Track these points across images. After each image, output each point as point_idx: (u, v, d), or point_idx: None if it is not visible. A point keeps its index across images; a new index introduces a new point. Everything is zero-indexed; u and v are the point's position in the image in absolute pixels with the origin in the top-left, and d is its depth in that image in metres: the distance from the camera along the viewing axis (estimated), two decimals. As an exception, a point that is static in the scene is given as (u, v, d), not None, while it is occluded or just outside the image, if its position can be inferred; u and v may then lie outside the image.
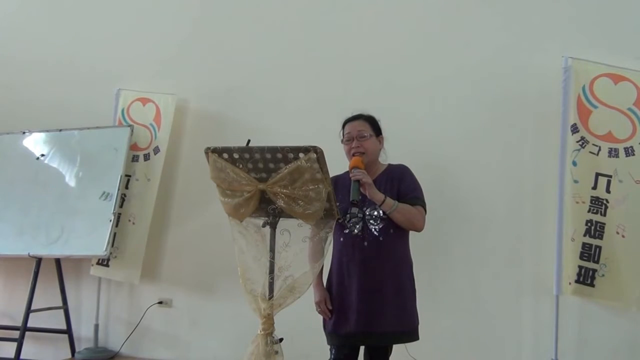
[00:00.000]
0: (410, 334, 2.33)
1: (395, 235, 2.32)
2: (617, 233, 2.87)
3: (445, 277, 3.31)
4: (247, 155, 2.02)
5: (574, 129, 2.96)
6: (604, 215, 2.89)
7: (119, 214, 3.75)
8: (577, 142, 2.95)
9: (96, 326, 3.95)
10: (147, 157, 3.91)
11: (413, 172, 2.44)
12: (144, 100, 4.01)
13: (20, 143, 4.07)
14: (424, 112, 3.44)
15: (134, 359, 3.88)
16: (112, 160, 3.78)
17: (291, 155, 1.96)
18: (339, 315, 2.32)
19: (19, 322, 3.65)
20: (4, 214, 3.89)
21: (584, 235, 2.89)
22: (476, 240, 3.28)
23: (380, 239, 2.29)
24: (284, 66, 3.81)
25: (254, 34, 3.91)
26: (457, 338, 3.26)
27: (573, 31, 3.20)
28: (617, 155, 2.92)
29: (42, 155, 3.98)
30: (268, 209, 2.06)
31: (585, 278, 2.87)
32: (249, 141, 2.10)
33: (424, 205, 2.35)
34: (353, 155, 2.36)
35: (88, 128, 3.93)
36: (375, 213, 2.30)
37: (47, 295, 3.89)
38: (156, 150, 3.89)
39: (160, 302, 3.92)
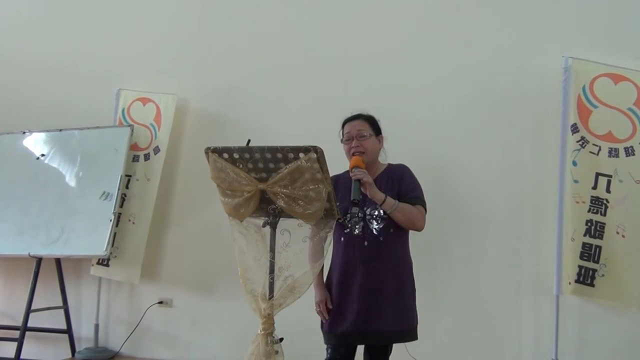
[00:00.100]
0: (408, 333, 2.33)
1: (396, 235, 2.32)
2: (617, 233, 2.87)
3: (445, 277, 3.31)
4: (247, 155, 2.02)
5: (574, 129, 2.96)
6: (604, 215, 2.89)
7: (119, 213, 3.75)
8: (577, 142, 2.95)
9: (96, 326, 3.95)
10: (147, 157, 3.91)
11: (413, 171, 2.44)
12: (144, 100, 4.01)
13: (21, 143, 4.08)
14: (424, 112, 3.44)
15: (134, 358, 3.88)
16: (112, 160, 3.78)
17: (291, 155, 1.96)
18: (338, 315, 2.32)
19: (19, 322, 3.65)
20: (4, 214, 3.89)
21: (584, 235, 2.89)
22: (476, 240, 3.28)
23: (381, 238, 2.29)
24: (284, 66, 3.81)
25: (254, 34, 3.91)
26: (457, 338, 3.26)
27: (573, 31, 3.20)
28: (617, 155, 2.92)
29: (42, 155, 3.98)
30: (268, 209, 2.06)
31: (585, 278, 2.87)
32: (249, 141, 2.10)
33: (424, 205, 2.36)
34: (353, 154, 2.36)
35: (88, 128, 3.93)
36: (376, 213, 2.30)
37: (47, 295, 3.89)
38: (156, 150, 3.89)
39: (160, 302, 3.92)
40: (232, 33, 3.97)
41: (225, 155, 2.05)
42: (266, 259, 2.09)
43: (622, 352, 2.99)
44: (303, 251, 2.20)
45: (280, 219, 2.09)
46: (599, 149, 2.93)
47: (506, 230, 3.23)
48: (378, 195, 2.25)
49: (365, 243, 2.30)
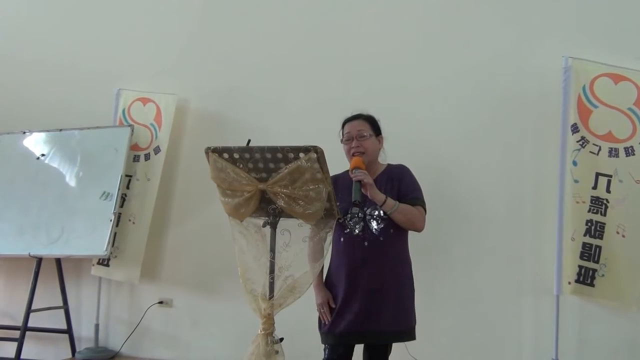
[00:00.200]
0: (407, 333, 2.33)
1: (395, 235, 2.32)
2: (617, 233, 2.87)
3: (445, 277, 3.31)
4: (247, 155, 2.02)
5: (574, 129, 2.96)
6: (604, 215, 2.89)
7: (119, 213, 3.76)
8: (577, 141, 2.95)
9: (96, 326, 3.95)
10: (147, 157, 3.91)
11: (413, 172, 2.44)
12: (145, 100, 4.01)
13: (21, 143, 4.08)
14: (424, 112, 3.44)
15: (134, 358, 3.88)
16: (112, 160, 3.78)
17: (291, 155, 1.96)
18: (337, 315, 2.31)
19: (19, 322, 3.65)
20: (4, 214, 3.89)
21: (584, 235, 2.90)
22: (476, 240, 3.28)
23: (381, 238, 2.29)
24: (284, 66, 3.81)
25: (254, 34, 3.91)
26: (457, 338, 3.26)
27: (573, 31, 3.20)
28: (617, 155, 2.92)
29: (43, 155, 3.98)
30: (268, 209, 2.06)
31: (585, 278, 2.87)
32: (249, 141, 2.10)
33: (424, 206, 2.36)
34: (353, 155, 2.36)
35: (88, 128, 3.94)
36: (376, 213, 2.30)
37: (47, 295, 3.89)
38: (157, 150, 3.89)
39: (160, 302, 3.92)
40: (232, 33, 3.97)
41: (226, 155, 2.05)
42: (266, 259, 2.08)
43: (622, 352, 2.99)
44: (303, 251, 2.20)
45: (281, 218, 2.09)
46: (599, 149, 2.93)
47: (506, 230, 3.23)
48: (379, 196, 2.25)
49: (365, 243, 2.30)
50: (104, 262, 3.84)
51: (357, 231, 2.31)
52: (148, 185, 3.85)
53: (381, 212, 2.29)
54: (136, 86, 4.07)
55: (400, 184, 2.37)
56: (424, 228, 2.35)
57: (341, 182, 2.38)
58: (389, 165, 2.48)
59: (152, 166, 3.88)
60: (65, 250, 3.68)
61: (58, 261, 3.88)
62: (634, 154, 2.90)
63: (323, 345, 2.38)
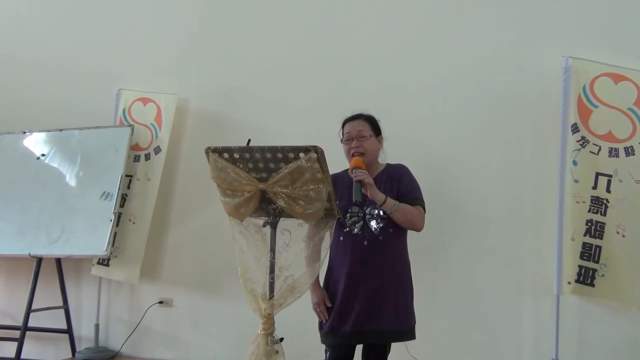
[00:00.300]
0: (407, 332, 2.34)
1: (395, 235, 2.33)
2: (617, 233, 2.87)
3: (445, 277, 3.31)
4: (247, 155, 2.02)
5: (574, 129, 2.96)
6: (604, 215, 2.89)
7: (120, 213, 3.76)
8: (578, 141, 2.95)
9: (97, 326, 3.95)
10: (147, 157, 3.91)
11: (412, 172, 2.44)
12: (145, 100, 4.01)
13: (21, 143, 4.08)
14: (424, 112, 3.44)
15: (134, 358, 3.88)
16: (112, 160, 3.78)
17: (291, 155, 1.96)
18: (336, 315, 2.31)
19: (19, 322, 3.65)
20: (4, 214, 3.89)
21: (584, 235, 2.90)
22: (476, 240, 3.28)
23: (380, 238, 2.30)
24: (284, 66, 3.81)
25: (254, 34, 3.92)
26: (457, 338, 3.26)
27: (573, 31, 3.20)
28: (617, 155, 2.92)
29: (43, 155, 3.98)
30: (268, 209, 2.06)
31: (585, 278, 2.87)
32: (249, 141, 2.10)
33: (423, 205, 2.36)
34: (353, 155, 2.36)
35: (88, 128, 3.93)
36: (375, 212, 2.30)
37: (47, 295, 3.89)
38: (157, 150, 3.89)
39: (160, 302, 3.92)
40: (232, 33, 3.97)
41: (226, 155, 2.05)
42: (266, 259, 2.08)
43: (622, 352, 2.99)
44: (303, 251, 2.19)
45: (281, 218, 2.09)
46: (599, 149, 2.93)
47: (506, 230, 3.23)
48: (379, 196, 2.25)
49: (365, 242, 2.30)
50: (104, 262, 3.84)
51: (356, 230, 2.31)
52: (148, 185, 3.85)
53: (380, 211, 2.29)
54: (136, 86, 4.07)
55: (400, 184, 2.37)
56: (424, 228, 2.35)
57: (340, 181, 2.38)
58: (388, 165, 2.48)
59: (152, 166, 3.88)
60: (65, 250, 3.68)
61: (58, 261, 3.88)
62: (634, 154, 2.90)
63: (323, 346, 2.38)
